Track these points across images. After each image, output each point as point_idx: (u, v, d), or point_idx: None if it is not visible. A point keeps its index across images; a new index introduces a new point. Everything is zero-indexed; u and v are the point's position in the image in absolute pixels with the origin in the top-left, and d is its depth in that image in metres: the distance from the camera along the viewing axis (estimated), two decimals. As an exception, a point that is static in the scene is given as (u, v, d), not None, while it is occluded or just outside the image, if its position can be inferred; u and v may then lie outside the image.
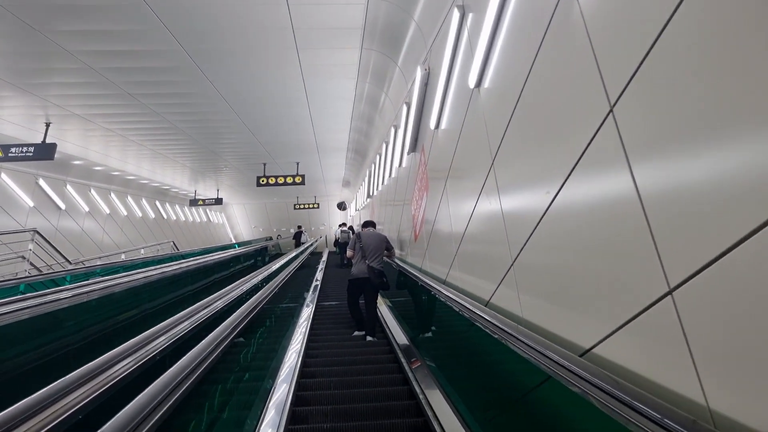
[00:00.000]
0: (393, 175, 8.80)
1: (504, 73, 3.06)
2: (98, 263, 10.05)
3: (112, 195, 16.40)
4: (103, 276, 6.74)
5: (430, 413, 3.29)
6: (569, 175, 2.13)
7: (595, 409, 1.52)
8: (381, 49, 6.57)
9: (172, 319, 2.67)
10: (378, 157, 10.72)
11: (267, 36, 6.16)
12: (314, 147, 13.72)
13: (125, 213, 17.16)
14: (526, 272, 2.69)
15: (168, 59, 6.74)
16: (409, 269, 5.60)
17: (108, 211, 15.90)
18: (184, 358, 2.17)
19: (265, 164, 15.86)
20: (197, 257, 10.45)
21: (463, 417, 3.01)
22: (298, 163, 15.93)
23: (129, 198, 17.84)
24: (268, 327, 5.26)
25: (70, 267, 8.74)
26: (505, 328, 2.41)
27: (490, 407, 2.92)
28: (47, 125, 9.38)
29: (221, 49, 6.51)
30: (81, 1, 5.17)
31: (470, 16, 3.81)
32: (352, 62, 7.16)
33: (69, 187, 13.60)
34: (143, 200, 19.13)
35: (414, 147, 6.22)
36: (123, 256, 12.00)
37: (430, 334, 4.95)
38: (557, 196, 2.26)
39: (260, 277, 5.44)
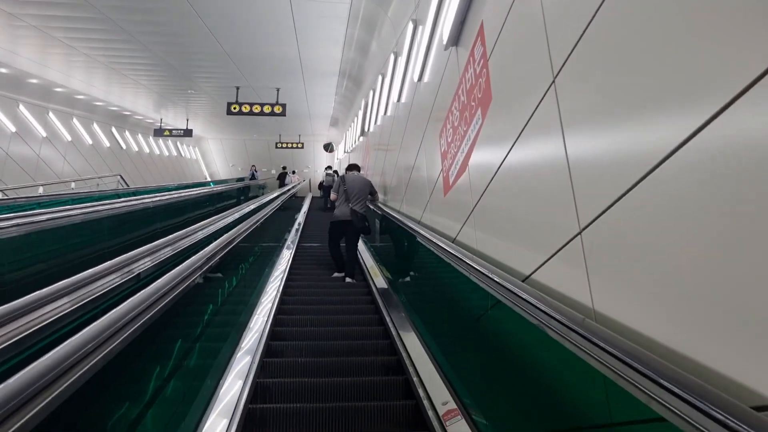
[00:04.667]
0: (403, 100, 6.29)
1: None
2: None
3: (51, 115, 13.54)
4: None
5: (404, 353, 3.44)
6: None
7: (526, 322, 1.82)
8: None
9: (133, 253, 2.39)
10: (380, 79, 8.12)
11: None
12: (298, 67, 10.97)
13: (69, 138, 14.36)
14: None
15: None
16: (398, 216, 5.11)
17: (45, 134, 13.10)
18: (155, 283, 1.93)
19: (238, 88, 13.09)
20: (148, 196, 8.01)
21: (435, 357, 3.18)
22: (278, 90, 13.16)
23: (75, 120, 14.96)
24: (246, 264, 5.09)
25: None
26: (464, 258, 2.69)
27: (452, 337, 3.15)
28: None
29: None
30: None
31: None
32: None
33: (-15, 99, 10.78)
34: (94, 124, 16.25)
35: (457, 36, 3.71)
36: (41, 190, 9.41)
37: (408, 279, 4.93)
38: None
39: (236, 215, 5.13)
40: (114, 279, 2.02)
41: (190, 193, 9.45)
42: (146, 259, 2.47)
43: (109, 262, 2.11)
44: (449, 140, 3.90)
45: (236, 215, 5.16)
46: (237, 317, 3.82)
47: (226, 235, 3.58)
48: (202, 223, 3.96)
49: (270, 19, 7.89)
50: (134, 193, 11.49)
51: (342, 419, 2.79)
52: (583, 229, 1.78)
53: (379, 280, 5.52)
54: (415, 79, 5.13)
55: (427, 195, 4.65)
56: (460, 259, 2.79)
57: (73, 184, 11.11)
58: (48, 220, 4.12)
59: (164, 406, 2.23)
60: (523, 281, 2.27)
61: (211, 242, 3.24)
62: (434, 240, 3.57)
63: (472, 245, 3.22)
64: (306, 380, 3.15)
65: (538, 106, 2.23)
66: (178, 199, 8.61)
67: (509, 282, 2.13)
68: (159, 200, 6.54)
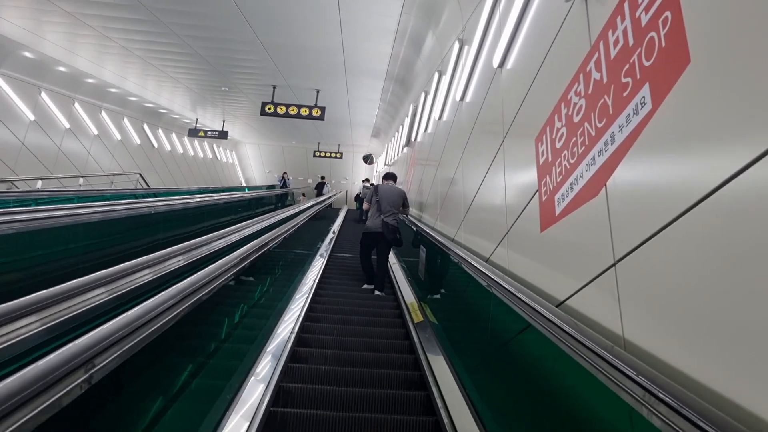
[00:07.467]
0: (468, 98, 4.93)
1: None
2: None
3: (77, 105, 12.74)
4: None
5: (426, 369, 3.35)
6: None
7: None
8: None
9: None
10: (437, 76, 6.79)
11: None
12: (341, 64, 9.77)
13: (96, 132, 13.54)
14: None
15: None
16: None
17: (68, 126, 12.27)
18: (188, 279, 2.02)
19: (274, 87, 12.02)
20: (152, 200, 7.00)
21: (462, 381, 3.00)
22: (318, 92, 12.04)
23: (103, 113, 14.17)
24: (279, 269, 5.18)
25: None
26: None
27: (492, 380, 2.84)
28: None
29: None
30: None
31: None
32: None
33: (2, 81, 9.94)
34: (125, 120, 15.47)
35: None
36: (39, 184, 8.43)
37: (438, 296, 4.69)
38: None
39: (271, 221, 5.17)
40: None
41: (207, 198, 8.32)
42: (180, 257, 2.59)
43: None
44: (557, 146, 2.51)
45: (271, 221, 5.17)
46: (265, 321, 3.83)
47: (256, 241, 3.49)
48: (229, 228, 3.89)
49: (312, 2, 6.71)
50: (155, 195, 10.53)
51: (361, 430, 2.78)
52: None
53: (408, 294, 5.48)
54: (494, 64, 3.76)
55: (504, 226, 3.25)
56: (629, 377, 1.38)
57: (80, 181, 10.13)
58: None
59: (188, 401, 2.24)
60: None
61: (243, 246, 3.22)
62: (532, 304, 2.19)
63: (611, 327, 1.81)
64: (328, 388, 3.11)
65: None
66: (192, 204, 7.49)
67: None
68: (156, 205, 5.35)
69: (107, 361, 1.24)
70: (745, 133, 1.28)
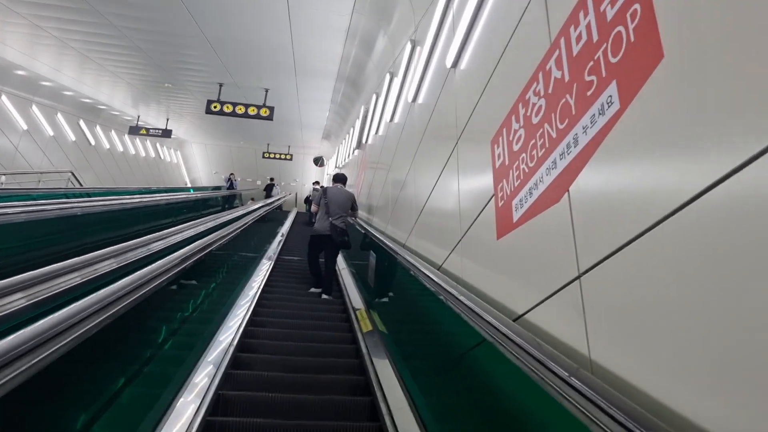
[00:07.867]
0: (420, 100, 4.78)
1: None
2: None
3: (4, 98, 11.82)
4: None
5: (372, 373, 3.31)
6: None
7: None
8: None
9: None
10: (388, 78, 6.62)
11: None
12: (290, 63, 9.45)
13: (25, 127, 12.62)
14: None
15: None
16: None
17: (-8, 120, 11.39)
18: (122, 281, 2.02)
19: (221, 85, 11.55)
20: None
21: (405, 382, 3.02)
22: (267, 91, 11.65)
23: (34, 108, 13.24)
24: (223, 273, 5.13)
25: None
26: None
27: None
28: None
29: None
30: None
31: None
32: None
33: None
34: (59, 115, 14.51)
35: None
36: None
37: (387, 301, 4.68)
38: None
39: (212, 224, 4.96)
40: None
41: (147, 199, 7.85)
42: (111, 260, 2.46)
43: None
44: (515, 149, 2.37)
45: (215, 222, 5.00)
46: (207, 326, 3.76)
47: (197, 243, 3.41)
48: (170, 230, 3.81)
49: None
50: (88, 194, 9.87)
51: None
52: None
53: (355, 298, 5.42)
54: (448, 65, 3.62)
55: (458, 232, 3.10)
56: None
57: (2, 178, 9.34)
58: None
59: (117, 412, 2.13)
60: None
61: (181, 248, 3.15)
62: (487, 318, 2.04)
63: (575, 346, 1.66)
64: (271, 395, 3.01)
65: None
66: (130, 205, 7.03)
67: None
68: (90, 206, 5.00)
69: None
70: (727, 136, 1.15)
